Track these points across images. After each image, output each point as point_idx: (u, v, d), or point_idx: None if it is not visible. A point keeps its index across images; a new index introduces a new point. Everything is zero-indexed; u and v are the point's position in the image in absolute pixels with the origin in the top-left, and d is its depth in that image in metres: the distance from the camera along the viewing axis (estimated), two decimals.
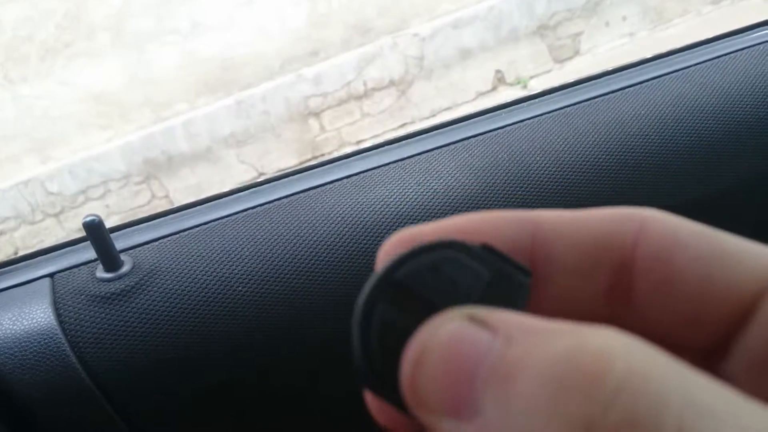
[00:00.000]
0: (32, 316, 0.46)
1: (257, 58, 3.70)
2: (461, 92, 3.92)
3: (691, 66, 0.60)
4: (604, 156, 0.55)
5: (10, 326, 0.46)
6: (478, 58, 3.90)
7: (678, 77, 0.59)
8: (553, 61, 4.04)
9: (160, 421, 0.49)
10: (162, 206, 3.68)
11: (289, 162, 3.75)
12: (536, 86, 3.87)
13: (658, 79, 0.59)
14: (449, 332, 0.16)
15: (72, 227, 3.61)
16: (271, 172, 3.72)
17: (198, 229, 0.52)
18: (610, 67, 0.61)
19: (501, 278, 0.18)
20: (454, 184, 0.53)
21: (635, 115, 0.56)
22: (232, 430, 0.52)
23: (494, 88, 3.95)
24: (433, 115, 3.91)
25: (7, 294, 0.49)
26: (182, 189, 3.68)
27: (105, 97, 3.53)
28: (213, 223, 0.52)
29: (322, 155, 3.82)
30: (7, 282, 0.50)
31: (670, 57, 0.62)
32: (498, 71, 3.93)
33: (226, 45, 3.65)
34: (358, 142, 3.83)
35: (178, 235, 0.51)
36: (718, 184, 0.57)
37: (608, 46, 4.03)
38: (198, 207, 0.55)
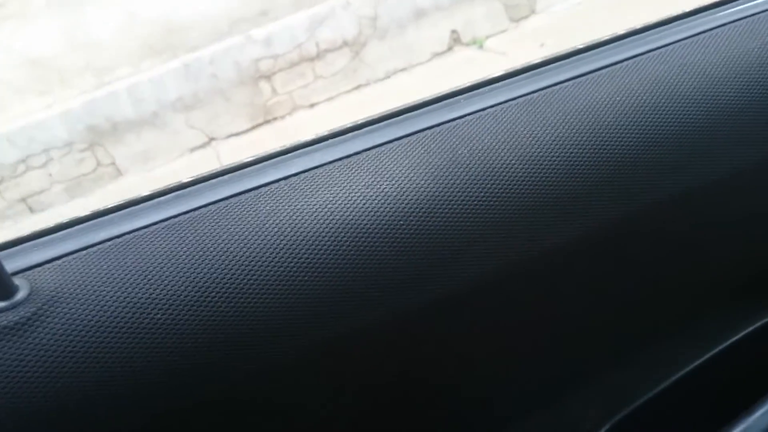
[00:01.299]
0: None
1: (204, 20, 3.55)
2: (416, 53, 3.83)
3: (668, 45, 0.54)
4: (575, 149, 0.49)
5: None
6: (432, 17, 3.80)
7: (654, 57, 0.53)
8: (509, 20, 3.97)
9: None
10: (108, 174, 3.55)
11: (241, 126, 3.63)
12: (492, 46, 3.80)
13: (632, 60, 0.53)
14: None
15: (13, 197, 3.46)
16: (221, 136, 3.60)
17: (109, 243, 0.44)
18: (578, 45, 0.55)
19: None
20: (408, 185, 0.46)
21: (609, 102, 0.50)
22: None
23: (450, 49, 3.87)
24: (388, 77, 3.82)
25: None
26: (129, 156, 3.55)
27: (43, 61, 3.35)
28: (127, 236, 0.44)
29: (274, 119, 3.72)
30: None
31: (644, 34, 0.56)
32: (453, 31, 3.85)
33: (170, 6, 3.49)
34: (312, 105, 3.73)
35: (85, 252, 0.44)
36: (701, 178, 0.52)
37: (564, 5, 3.97)
38: (109, 216, 0.47)
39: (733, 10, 0.56)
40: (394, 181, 0.46)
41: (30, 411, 0.40)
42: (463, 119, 0.50)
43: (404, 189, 0.46)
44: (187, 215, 0.45)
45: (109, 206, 0.48)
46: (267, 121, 3.70)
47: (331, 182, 0.46)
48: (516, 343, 0.56)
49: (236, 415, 0.47)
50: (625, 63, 0.53)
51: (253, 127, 3.66)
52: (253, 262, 0.43)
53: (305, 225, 0.45)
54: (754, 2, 0.57)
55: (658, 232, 0.55)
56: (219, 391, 0.44)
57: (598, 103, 0.50)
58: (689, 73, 0.52)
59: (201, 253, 0.43)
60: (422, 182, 0.46)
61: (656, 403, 0.62)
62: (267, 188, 0.47)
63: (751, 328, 0.64)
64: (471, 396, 0.58)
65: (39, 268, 0.43)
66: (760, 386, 0.60)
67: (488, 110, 0.50)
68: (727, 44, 0.53)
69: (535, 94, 0.51)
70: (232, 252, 0.43)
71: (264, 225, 0.44)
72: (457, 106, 0.51)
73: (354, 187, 0.46)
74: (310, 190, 0.46)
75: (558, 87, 0.51)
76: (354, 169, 0.47)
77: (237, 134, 3.64)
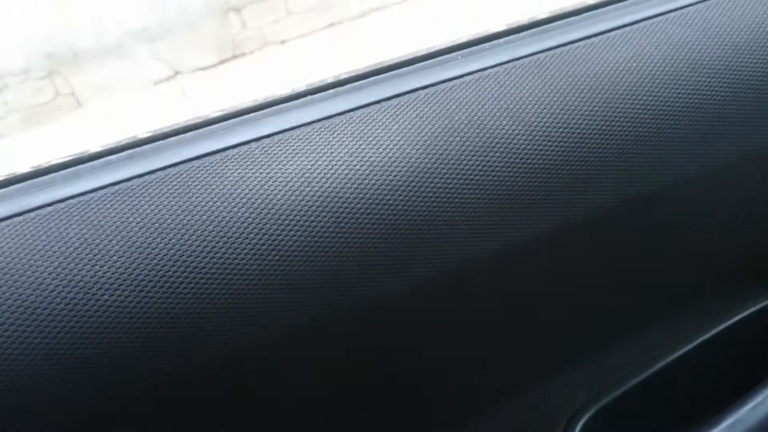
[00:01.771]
0: None
1: None
2: None
3: (690, 5, 0.48)
4: (585, 119, 0.43)
5: None
6: None
7: (675, 19, 0.47)
8: None
9: None
10: (67, 104, 3.42)
11: (208, 61, 3.50)
12: None
13: (651, 21, 0.47)
14: None
15: None
16: (187, 70, 3.47)
17: (49, 209, 0.38)
18: (593, 0, 0.49)
19: None
20: (398, 154, 0.41)
21: (624, 69, 0.45)
22: None
23: None
24: (363, 15, 3.69)
25: None
26: (90, 86, 3.40)
27: None
28: (70, 201, 0.38)
29: (243, 54, 3.58)
30: None
31: None
32: None
33: None
34: (283, 42, 3.59)
35: (21, 218, 0.37)
36: (724, 157, 0.47)
37: None
38: (50, 175, 0.40)
39: None
40: (381, 149, 0.41)
41: None
42: (460, 80, 0.44)
43: (393, 158, 0.40)
44: (142, 179, 0.39)
45: (51, 164, 0.41)
46: (235, 56, 3.57)
47: (309, 147, 0.40)
48: (507, 325, 0.51)
49: (195, 403, 0.42)
50: (642, 24, 0.47)
51: (221, 62, 3.53)
52: (217, 238, 0.37)
53: (278, 196, 0.39)
54: None
55: (663, 213, 0.50)
56: (177, 380, 0.39)
57: (611, 69, 0.45)
58: (714, 39, 0.46)
59: (157, 224, 0.37)
60: (413, 151, 0.41)
61: (645, 387, 0.59)
62: (235, 150, 0.40)
63: (743, 314, 0.60)
64: (459, 377, 0.54)
65: None
66: (752, 373, 0.57)
67: (489, 71, 0.44)
68: (756, 9, 0.48)
69: (543, 55, 0.45)
70: (193, 225, 0.37)
71: (231, 194, 0.38)
72: (454, 65, 0.45)
73: (335, 153, 0.40)
74: (285, 155, 0.40)
75: (568, 48, 0.46)
76: (336, 133, 0.41)
77: (204, 69, 3.50)
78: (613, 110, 0.44)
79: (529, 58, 0.45)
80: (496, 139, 0.42)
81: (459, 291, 0.45)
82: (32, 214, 0.38)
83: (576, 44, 0.46)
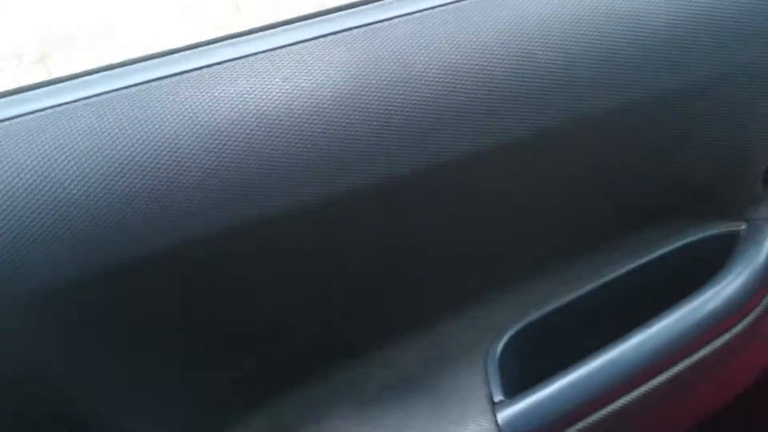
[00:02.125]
0: None
1: None
2: None
3: None
4: (497, 61, 0.50)
5: None
6: None
7: None
8: None
9: None
10: None
11: None
12: None
13: None
14: None
15: None
16: None
17: (31, 116, 0.44)
18: None
19: None
20: (325, 81, 0.47)
21: (541, 16, 0.51)
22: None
23: None
24: None
25: None
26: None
27: None
28: (49, 110, 0.44)
29: None
30: None
31: None
32: None
33: None
34: None
35: (8, 123, 0.44)
36: (623, 97, 0.54)
37: None
38: (33, 91, 0.47)
39: None
40: (311, 77, 0.47)
41: None
42: (389, 22, 0.51)
43: (320, 85, 0.47)
44: (108, 95, 0.46)
45: (34, 82, 0.48)
46: None
47: (251, 72, 0.47)
48: (445, 245, 0.58)
49: (185, 293, 0.49)
50: None
51: None
52: (164, 144, 0.44)
53: (221, 114, 0.46)
54: None
55: (580, 148, 0.57)
56: (131, 262, 0.46)
57: (529, 16, 0.51)
58: None
59: (118, 131, 0.44)
60: (339, 80, 0.47)
61: (570, 310, 0.65)
62: (189, 75, 0.47)
63: (670, 248, 0.67)
64: (390, 298, 0.61)
65: None
66: (670, 302, 0.63)
67: (415, 15, 0.51)
68: None
69: (467, 2, 0.52)
70: (147, 133, 0.44)
71: (180, 108, 0.45)
72: (382, 9, 0.52)
73: (272, 79, 0.47)
74: (230, 79, 0.47)
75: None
76: (274, 63, 0.48)
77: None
78: (526, 53, 0.50)
79: (452, 5, 0.52)
80: (414, 72, 0.48)
81: (380, 209, 0.52)
82: (18, 120, 0.45)
83: None
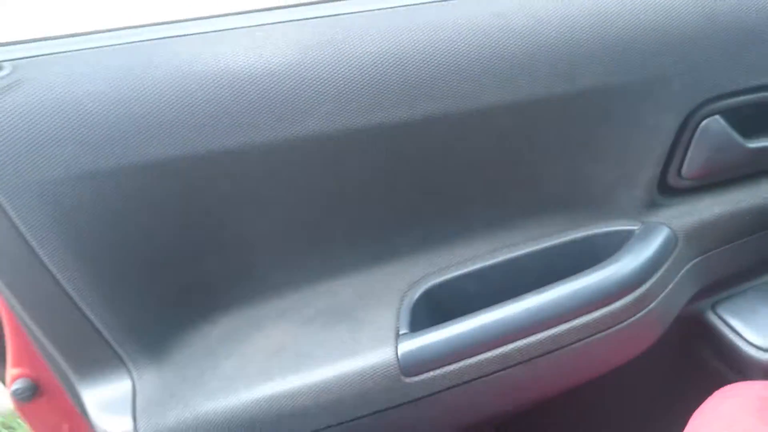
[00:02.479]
0: None
1: None
2: None
3: None
4: (457, 57, 0.64)
5: None
6: None
7: None
8: None
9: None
10: None
11: None
12: None
13: None
14: None
15: None
16: None
17: (83, 52, 0.61)
18: None
19: None
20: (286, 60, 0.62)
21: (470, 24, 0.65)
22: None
23: None
24: None
25: None
26: None
27: None
28: (88, 50, 0.61)
29: None
30: None
31: None
32: None
33: None
34: None
35: (69, 53, 0.61)
36: (534, 95, 0.67)
37: None
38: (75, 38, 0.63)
39: None
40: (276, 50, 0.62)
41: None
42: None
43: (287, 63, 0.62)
44: (132, 44, 0.61)
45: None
46: None
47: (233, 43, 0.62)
48: (375, 208, 0.73)
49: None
50: None
51: None
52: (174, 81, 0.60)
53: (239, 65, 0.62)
54: None
55: (499, 133, 0.70)
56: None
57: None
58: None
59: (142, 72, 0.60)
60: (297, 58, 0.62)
61: (479, 276, 0.78)
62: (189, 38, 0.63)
63: (573, 236, 0.79)
64: (342, 246, 0.75)
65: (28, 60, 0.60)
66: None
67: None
68: None
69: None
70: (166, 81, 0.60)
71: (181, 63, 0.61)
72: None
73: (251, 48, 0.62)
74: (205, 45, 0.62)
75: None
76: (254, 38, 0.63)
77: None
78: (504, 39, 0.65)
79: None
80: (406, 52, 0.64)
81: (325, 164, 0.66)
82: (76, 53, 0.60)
83: None
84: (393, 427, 0.74)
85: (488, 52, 0.66)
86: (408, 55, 0.64)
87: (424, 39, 0.65)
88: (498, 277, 0.78)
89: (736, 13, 0.69)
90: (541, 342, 0.72)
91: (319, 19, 0.65)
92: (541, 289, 0.73)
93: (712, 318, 0.85)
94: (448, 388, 0.72)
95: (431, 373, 0.71)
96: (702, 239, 0.79)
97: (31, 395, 0.77)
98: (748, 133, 0.75)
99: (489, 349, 0.72)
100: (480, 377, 0.73)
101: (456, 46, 0.65)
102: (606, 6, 0.68)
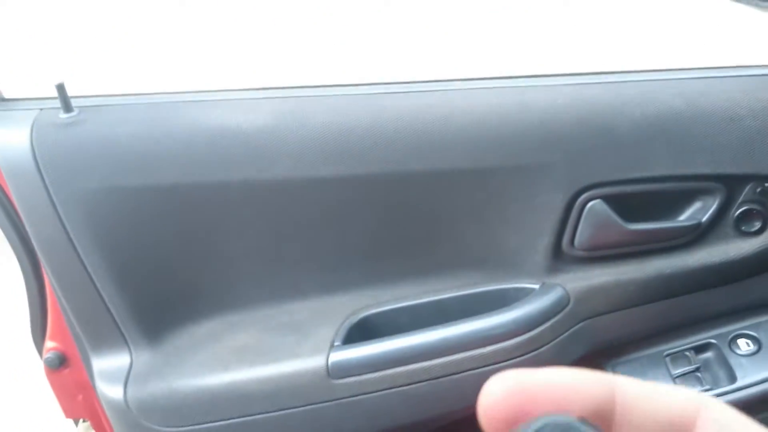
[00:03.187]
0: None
1: None
2: None
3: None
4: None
5: None
6: None
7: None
8: None
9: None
10: None
11: None
12: None
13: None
14: None
15: None
16: None
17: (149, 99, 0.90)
18: None
19: None
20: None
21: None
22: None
23: None
24: None
25: None
26: None
27: None
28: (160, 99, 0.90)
29: None
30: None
31: None
32: None
33: None
34: None
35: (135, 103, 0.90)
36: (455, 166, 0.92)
37: None
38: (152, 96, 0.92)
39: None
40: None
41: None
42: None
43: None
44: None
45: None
46: None
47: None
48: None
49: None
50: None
51: None
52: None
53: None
54: None
55: (411, 195, 0.92)
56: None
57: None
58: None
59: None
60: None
61: (408, 311, 0.98)
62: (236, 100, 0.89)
63: (483, 289, 0.99)
64: (306, 273, 0.98)
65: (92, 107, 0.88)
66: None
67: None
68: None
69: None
70: (177, 130, 0.86)
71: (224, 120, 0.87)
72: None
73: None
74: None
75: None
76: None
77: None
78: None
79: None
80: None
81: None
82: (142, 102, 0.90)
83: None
84: (321, 421, 0.93)
85: (410, 131, 0.89)
86: (352, 127, 0.89)
87: (368, 117, 0.89)
88: (424, 314, 0.98)
89: (608, 120, 0.89)
90: (444, 365, 0.91)
91: (287, 98, 0.91)
92: (450, 323, 0.93)
93: None
94: (366, 393, 0.92)
95: (354, 379, 0.91)
96: (592, 302, 0.96)
97: (58, 365, 1.01)
98: (629, 216, 0.94)
99: (401, 365, 0.91)
100: (392, 388, 0.92)
101: (393, 125, 0.89)
102: (505, 104, 0.91)
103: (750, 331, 0.99)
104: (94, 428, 1.06)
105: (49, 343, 1.01)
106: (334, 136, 0.89)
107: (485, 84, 0.94)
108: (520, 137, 0.90)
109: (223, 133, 0.89)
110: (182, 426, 0.93)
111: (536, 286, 0.97)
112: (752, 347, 0.98)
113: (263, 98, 0.92)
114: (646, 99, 0.91)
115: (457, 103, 0.91)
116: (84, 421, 1.08)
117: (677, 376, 0.98)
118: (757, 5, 0.99)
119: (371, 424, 0.94)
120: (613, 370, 1.01)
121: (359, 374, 0.91)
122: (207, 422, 0.93)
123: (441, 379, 0.92)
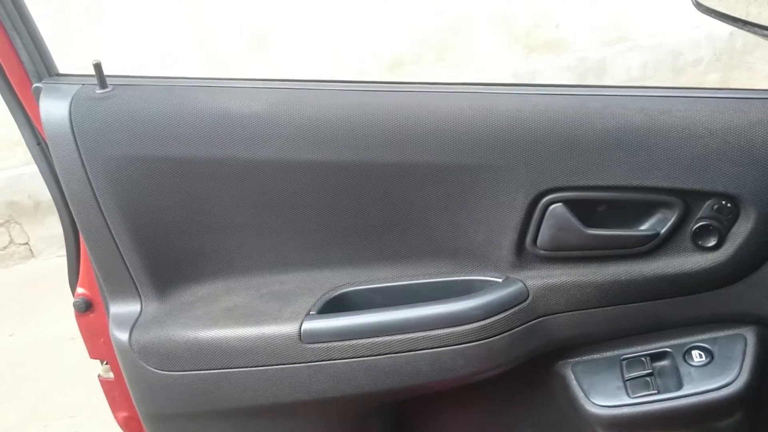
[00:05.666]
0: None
1: None
2: None
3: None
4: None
5: None
6: None
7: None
8: None
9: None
10: (20, 252, 3.80)
11: None
12: None
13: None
14: None
15: None
16: None
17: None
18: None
19: None
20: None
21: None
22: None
23: None
24: None
25: None
26: (46, 237, 3.70)
27: None
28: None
29: None
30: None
31: None
32: None
33: None
34: None
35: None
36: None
37: None
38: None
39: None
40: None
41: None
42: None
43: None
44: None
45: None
46: None
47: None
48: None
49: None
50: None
51: None
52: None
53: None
54: None
55: (384, 184, 1.02)
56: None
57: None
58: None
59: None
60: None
61: (380, 291, 1.09)
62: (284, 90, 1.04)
63: (451, 279, 1.08)
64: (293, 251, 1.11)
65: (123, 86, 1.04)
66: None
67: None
68: None
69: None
70: (199, 111, 1.01)
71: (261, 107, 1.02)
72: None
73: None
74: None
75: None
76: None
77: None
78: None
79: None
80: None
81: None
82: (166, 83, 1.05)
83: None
84: (292, 380, 1.04)
85: (388, 126, 1.00)
86: (337, 118, 1.00)
87: (351, 111, 1.01)
88: (397, 297, 1.07)
89: (571, 128, 0.96)
90: (402, 341, 1.01)
91: (283, 89, 1.04)
92: (412, 305, 1.02)
93: (569, 375, 1.07)
94: (332, 359, 1.02)
95: (322, 345, 1.02)
96: (550, 300, 1.02)
97: (85, 309, 1.18)
98: (590, 221, 1.00)
99: (364, 337, 1.01)
100: (355, 357, 1.02)
101: (374, 119, 1.00)
102: (476, 107, 0.99)
103: (705, 344, 1.03)
104: (112, 370, 1.22)
105: (79, 290, 1.18)
106: (320, 125, 1.01)
107: (460, 89, 1.03)
108: (487, 138, 0.98)
109: (225, 115, 1.03)
110: (173, 371, 1.07)
111: (500, 280, 1.05)
112: (704, 359, 1.01)
113: (261, 88, 1.05)
114: (609, 112, 0.97)
115: (431, 103, 1.01)
116: (105, 363, 1.24)
117: (629, 380, 1.03)
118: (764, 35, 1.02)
119: (336, 387, 1.04)
120: (569, 369, 1.07)
121: (326, 341, 1.02)
122: (194, 370, 1.06)
123: (399, 354, 1.01)
